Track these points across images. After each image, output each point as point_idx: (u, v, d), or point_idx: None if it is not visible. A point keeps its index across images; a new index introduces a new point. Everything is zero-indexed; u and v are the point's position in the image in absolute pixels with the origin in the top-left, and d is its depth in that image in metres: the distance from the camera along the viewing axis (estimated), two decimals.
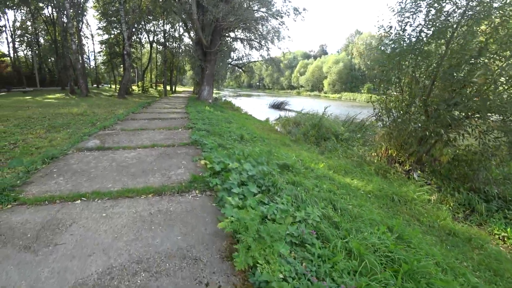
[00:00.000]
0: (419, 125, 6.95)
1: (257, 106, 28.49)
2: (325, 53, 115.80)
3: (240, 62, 27.47)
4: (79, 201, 3.07)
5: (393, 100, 7.96)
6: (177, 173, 4.00)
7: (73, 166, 4.17)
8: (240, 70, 29.34)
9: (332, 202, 3.71)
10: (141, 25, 33.45)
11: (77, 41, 32.59)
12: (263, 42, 21.63)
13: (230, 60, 27.40)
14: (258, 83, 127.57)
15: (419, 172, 6.84)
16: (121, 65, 34.13)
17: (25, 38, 36.09)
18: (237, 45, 30.61)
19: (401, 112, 7.55)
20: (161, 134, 6.60)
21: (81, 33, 38.69)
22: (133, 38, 36.54)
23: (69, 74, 25.08)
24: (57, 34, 30.92)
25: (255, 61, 27.72)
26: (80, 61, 23.60)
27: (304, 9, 17.87)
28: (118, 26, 27.54)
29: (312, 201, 3.43)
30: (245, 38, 21.07)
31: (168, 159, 4.65)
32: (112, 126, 7.56)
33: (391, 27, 7.78)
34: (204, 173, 3.82)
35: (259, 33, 19.33)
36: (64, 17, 23.63)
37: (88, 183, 3.54)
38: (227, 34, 18.34)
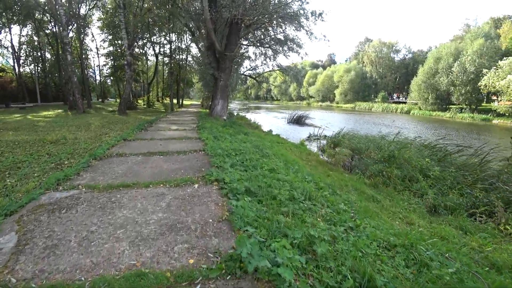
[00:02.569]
0: None
1: (274, 121, 25.25)
2: (334, 62, 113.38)
3: (254, 71, 24.55)
4: None
5: None
6: None
7: None
8: (254, 80, 26.39)
9: None
10: (145, 36, 31.22)
11: (74, 52, 30.40)
12: (284, 47, 18.66)
13: (243, 69, 24.54)
14: (265, 95, 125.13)
15: None
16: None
17: (30, 52, 34.69)
18: (251, 52, 27.58)
19: None
20: (161, 202, 3.30)
21: (84, 45, 36.85)
22: (137, 50, 34.34)
23: (69, 88, 22.42)
24: (59, 48, 29.07)
25: (270, 71, 24.74)
26: (76, 74, 21.00)
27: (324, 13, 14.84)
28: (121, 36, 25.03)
29: None
30: (265, 41, 18.07)
31: None
32: (78, 175, 4.35)
33: None
34: None
35: (281, 36, 16.31)
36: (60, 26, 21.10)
37: None
38: (246, 36, 15.31)
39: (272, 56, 21.64)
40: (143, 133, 9.18)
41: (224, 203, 3.30)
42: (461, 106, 46.01)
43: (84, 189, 3.72)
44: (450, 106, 47.95)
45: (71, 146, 7.06)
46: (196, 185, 3.90)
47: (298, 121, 23.89)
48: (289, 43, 17.94)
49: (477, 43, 42.51)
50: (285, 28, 14.11)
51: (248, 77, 25.51)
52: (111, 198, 3.39)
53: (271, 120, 25.60)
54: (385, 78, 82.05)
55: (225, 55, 13.20)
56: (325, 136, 15.20)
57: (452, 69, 44.84)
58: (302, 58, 18.98)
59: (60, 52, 27.69)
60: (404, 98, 71.92)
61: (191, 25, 27.23)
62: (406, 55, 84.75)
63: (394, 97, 74.30)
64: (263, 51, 22.34)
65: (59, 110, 22.43)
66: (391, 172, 6.83)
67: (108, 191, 3.66)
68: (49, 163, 5.58)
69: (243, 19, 11.49)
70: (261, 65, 23.20)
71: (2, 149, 6.73)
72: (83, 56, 33.47)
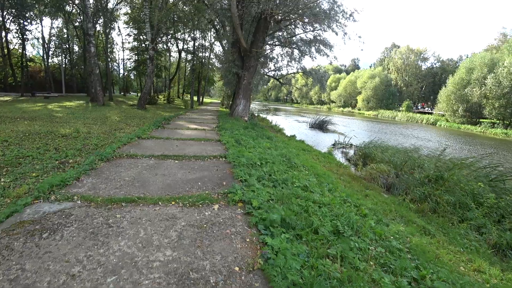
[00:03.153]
0: None
1: (295, 125, 24.27)
2: (357, 67, 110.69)
3: (278, 72, 23.67)
4: None
5: None
6: None
7: None
8: (278, 82, 25.54)
9: None
10: (169, 32, 31.11)
11: (100, 45, 30.71)
12: (312, 48, 17.71)
13: (266, 70, 23.72)
14: (286, 97, 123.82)
15: None
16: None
17: (59, 44, 35.65)
18: (275, 53, 26.67)
19: None
20: (171, 230, 2.49)
21: (110, 39, 37.37)
22: (160, 45, 34.39)
23: (91, 80, 22.37)
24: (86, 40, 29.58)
25: (294, 73, 23.79)
26: (99, 66, 20.94)
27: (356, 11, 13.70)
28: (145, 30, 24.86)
29: None
30: (292, 41, 17.17)
31: None
32: (77, 181, 3.66)
33: None
34: None
35: (311, 35, 15.40)
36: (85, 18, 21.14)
37: None
38: (273, 35, 14.50)
39: (297, 58, 20.79)
40: (160, 131, 8.55)
41: (253, 239, 2.48)
42: (493, 121, 43.14)
43: (79, 202, 3.01)
44: (480, 120, 45.11)
45: (82, 141, 6.50)
46: (216, 206, 3.10)
47: (321, 126, 22.81)
48: (317, 44, 16.99)
49: None
50: (316, 26, 13.12)
51: (270, 78, 24.64)
52: (108, 219, 2.64)
53: (292, 124, 24.65)
54: (411, 87, 79.01)
55: (250, 52, 12.44)
56: (351, 145, 14.14)
57: (485, 81, 42.18)
58: (331, 62, 18.22)
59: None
60: (429, 109, 68.84)
61: (216, 22, 26.86)
62: (434, 64, 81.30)
63: (419, 107, 71.26)
64: (289, 52, 21.52)
65: (81, 101, 22.55)
66: (440, 197, 5.78)
67: (107, 206, 2.93)
68: (53, 160, 4.99)
69: (273, 14, 10.67)
70: (286, 66, 22.42)
71: (10, 141, 6.25)
72: (108, 50, 33.94)
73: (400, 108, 68.41)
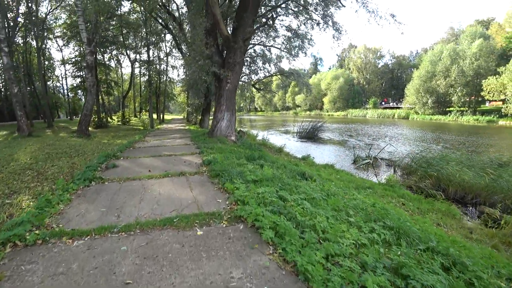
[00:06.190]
0: None
1: (279, 138, 20.57)
2: (318, 70, 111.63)
3: (254, 76, 19.87)
4: None
5: None
6: None
7: None
8: (256, 89, 21.81)
9: None
10: (118, 40, 26.03)
11: (34, 60, 24.66)
12: (296, 43, 14.21)
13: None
14: (249, 106, 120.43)
15: None
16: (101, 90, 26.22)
17: None
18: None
19: None
20: None
21: (48, 55, 30.86)
22: (107, 55, 29.00)
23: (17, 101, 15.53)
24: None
25: (271, 75, 20.16)
26: (19, 84, 15.29)
27: None
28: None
29: None
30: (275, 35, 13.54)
31: None
32: None
33: None
34: None
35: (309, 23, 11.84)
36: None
37: None
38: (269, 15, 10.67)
39: (274, 58, 17.27)
40: (90, 195, 4.13)
41: None
42: (462, 109, 43.87)
43: None
44: (449, 109, 45.76)
45: None
46: None
47: (311, 136, 19.35)
48: (299, 39, 13.50)
49: (477, 43, 40.60)
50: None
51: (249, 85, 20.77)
52: None
53: (274, 137, 20.91)
54: (372, 84, 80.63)
55: (234, 43, 8.47)
56: (373, 157, 10.73)
57: (449, 72, 42.90)
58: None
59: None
60: (395, 103, 70.09)
61: (171, 25, 22.55)
62: (390, 60, 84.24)
63: (383, 103, 72.37)
64: (265, 52, 17.94)
65: (4, 132, 16.90)
66: None
67: None
68: None
69: None
70: (261, 69, 18.73)
71: None
72: (45, 67, 27.70)
73: (367, 106, 68.80)
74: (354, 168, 10.04)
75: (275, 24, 11.32)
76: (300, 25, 11.11)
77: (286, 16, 11.16)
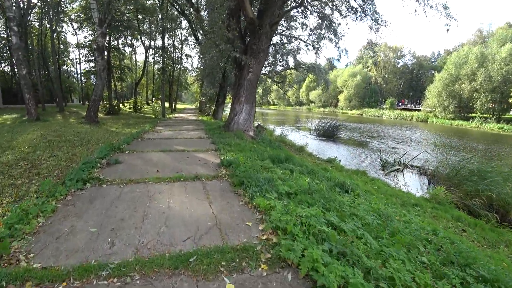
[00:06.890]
0: None
1: (296, 135, 19.51)
2: (334, 67, 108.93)
3: (273, 69, 18.74)
4: None
5: None
6: None
7: None
8: (274, 83, 20.64)
9: None
10: (133, 24, 25.24)
11: (48, 43, 24.17)
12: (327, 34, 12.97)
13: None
14: (261, 99, 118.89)
15: None
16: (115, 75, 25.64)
17: None
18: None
19: None
20: None
21: (62, 39, 30.42)
22: (122, 40, 28.28)
23: (25, 84, 14.73)
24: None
25: (291, 68, 18.96)
26: (30, 66, 14.62)
27: None
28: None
29: None
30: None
31: None
32: None
33: None
34: None
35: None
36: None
37: None
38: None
39: (294, 50, 16.06)
40: (80, 204, 3.26)
41: None
42: (485, 115, 41.53)
43: None
44: (471, 115, 43.43)
45: None
46: None
47: (330, 134, 18.20)
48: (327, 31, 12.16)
49: (507, 47, 38.06)
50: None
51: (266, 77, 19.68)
52: None
53: (290, 133, 19.84)
54: (390, 84, 77.95)
55: (260, 27, 7.43)
56: (403, 163, 9.62)
57: (474, 76, 40.53)
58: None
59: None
60: (412, 105, 67.55)
61: (187, 11, 21.58)
62: (411, 60, 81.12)
63: (400, 104, 69.87)
64: (285, 43, 16.77)
65: (13, 115, 16.43)
66: None
67: None
68: None
69: None
70: (281, 62, 17.58)
71: None
72: (59, 50, 27.19)
73: (383, 106, 66.57)
74: (383, 174, 8.98)
75: (307, 6, 10.07)
76: (333, 12, 9.89)
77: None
